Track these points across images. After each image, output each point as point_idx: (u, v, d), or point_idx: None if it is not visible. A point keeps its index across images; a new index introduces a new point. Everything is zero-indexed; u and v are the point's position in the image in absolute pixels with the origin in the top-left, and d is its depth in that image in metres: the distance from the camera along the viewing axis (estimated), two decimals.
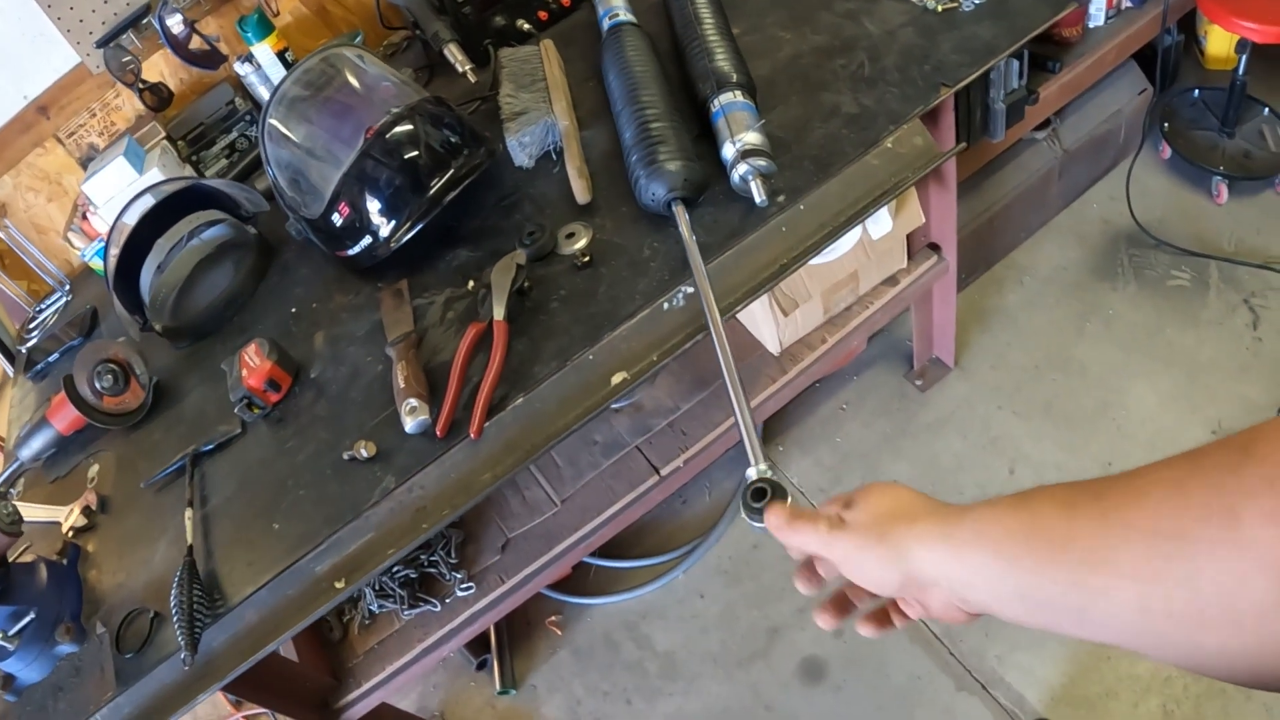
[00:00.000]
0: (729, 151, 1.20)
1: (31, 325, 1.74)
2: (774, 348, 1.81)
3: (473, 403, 1.14)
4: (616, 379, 1.16)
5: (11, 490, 1.50)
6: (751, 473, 0.90)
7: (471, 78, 1.58)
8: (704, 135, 1.29)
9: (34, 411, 1.47)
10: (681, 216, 1.17)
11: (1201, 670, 0.44)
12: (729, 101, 1.26)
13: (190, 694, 1.17)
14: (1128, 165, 2.14)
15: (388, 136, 1.29)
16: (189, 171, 1.73)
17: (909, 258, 1.83)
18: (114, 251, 1.45)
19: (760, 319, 1.78)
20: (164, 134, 1.70)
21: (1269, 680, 0.42)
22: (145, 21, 1.69)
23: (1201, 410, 1.88)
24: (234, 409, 1.28)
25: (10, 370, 1.72)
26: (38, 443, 1.46)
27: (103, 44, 1.62)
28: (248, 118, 1.76)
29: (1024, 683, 1.68)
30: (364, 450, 1.18)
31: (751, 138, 1.20)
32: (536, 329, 1.21)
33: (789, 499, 0.85)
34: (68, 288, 1.78)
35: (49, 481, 1.48)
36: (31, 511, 1.42)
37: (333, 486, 1.20)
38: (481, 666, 2.01)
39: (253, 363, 1.29)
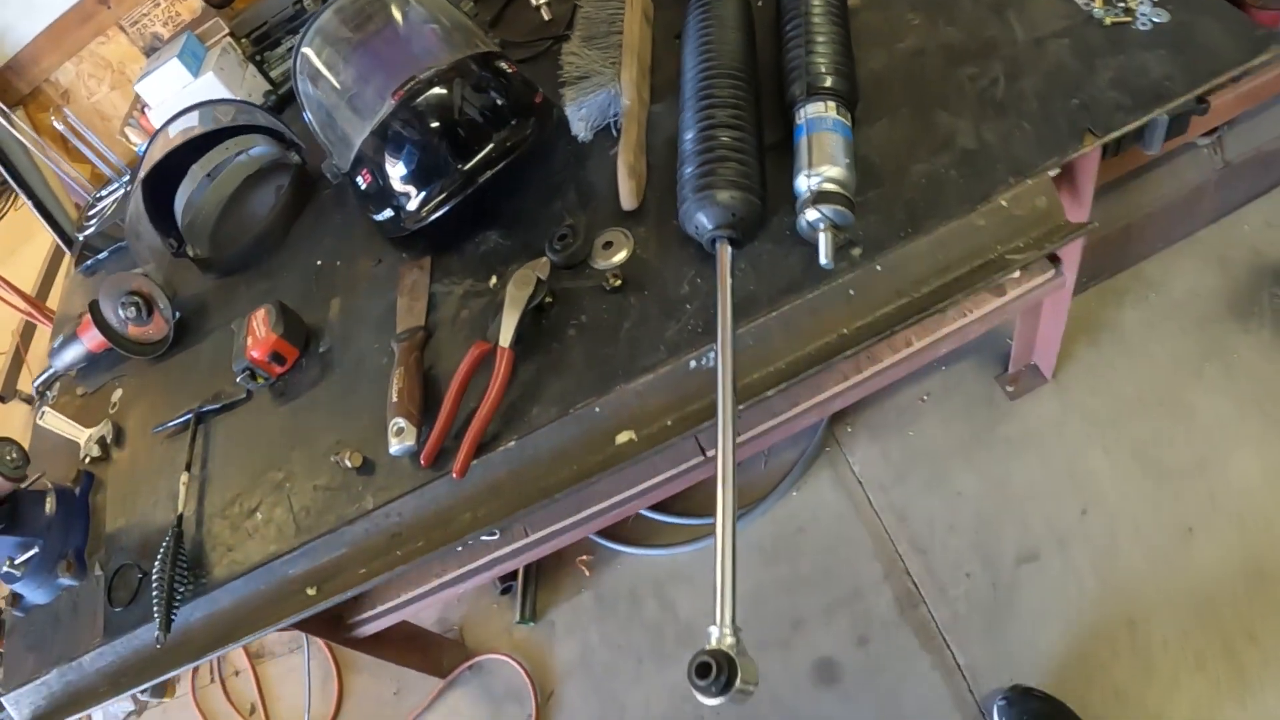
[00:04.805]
0: (802, 184, 0.96)
1: (90, 213, 1.67)
2: None
3: (463, 433, 1.00)
4: (622, 438, 0.98)
5: (48, 392, 1.48)
6: (712, 633, 0.74)
7: (546, 14, 1.34)
8: (786, 143, 1.05)
9: (70, 325, 1.41)
10: (724, 259, 0.93)
11: None
12: (817, 116, 0.99)
13: (163, 667, 1.11)
14: None
15: (417, 102, 1.08)
16: (250, 72, 1.57)
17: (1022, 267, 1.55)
18: (147, 167, 1.33)
19: None
20: (227, 31, 1.54)
21: None
22: None
23: None
24: (235, 378, 1.19)
25: (69, 252, 1.68)
26: (69, 355, 1.41)
27: None
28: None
29: None
30: (348, 460, 1.06)
31: (833, 174, 0.94)
32: (546, 357, 1.02)
33: (738, 678, 0.70)
34: (126, 178, 1.69)
35: (79, 394, 1.42)
36: (59, 423, 1.39)
37: (315, 488, 1.07)
38: (506, 592, 1.95)
39: (259, 333, 1.17)
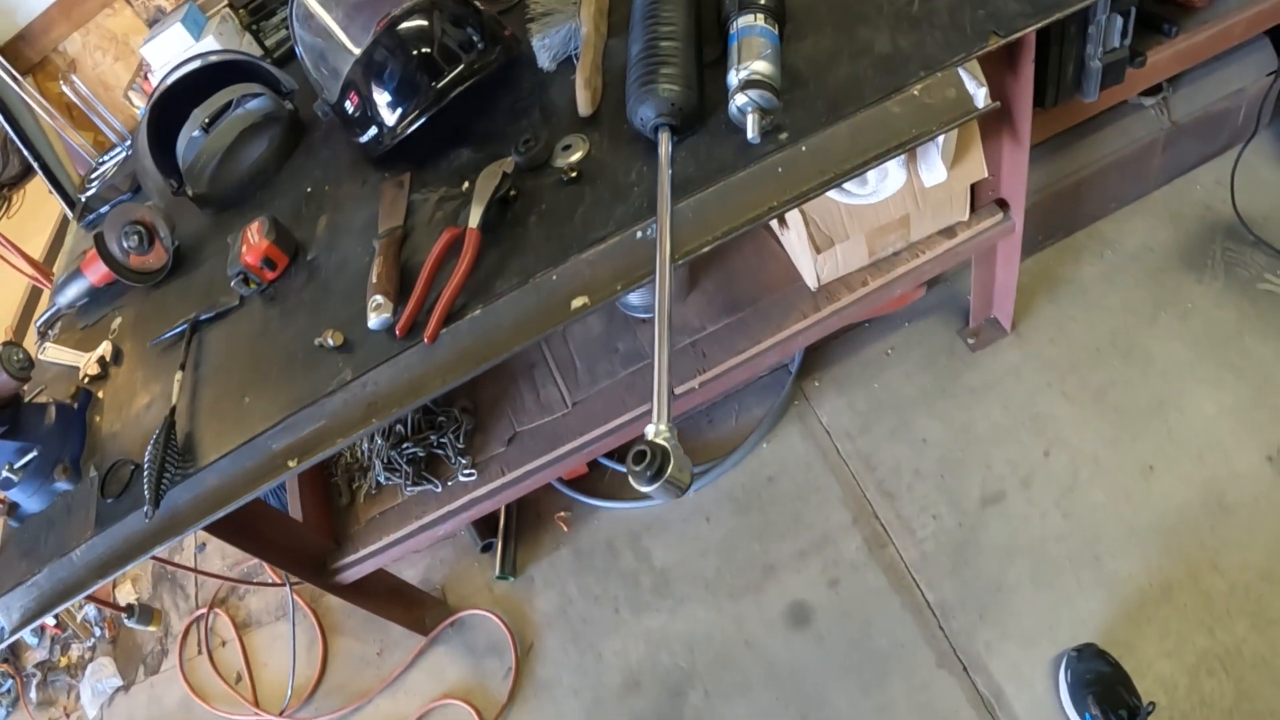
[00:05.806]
0: (732, 78, 1.13)
1: (93, 176, 1.85)
2: (811, 282, 1.73)
3: (434, 308, 1.16)
4: (576, 303, 1.14)
5: (50, 331, 1.64)
6: (649, 430, 0.88)
7: None
8: (723, 59, 1.23)
9: (74, 262, 1.58)
10: (664, 144, 1.10)
11: None
12: (747, 25, 1.17)
13: (150, 544, 1.25)
14: (1240, 150, 1.91)
15: (398, 29, 1.27)
16: (247, 40, 1.78)
17: (972, 210, 1.72)
18: (150, 109, 1.52)
19: (799, 250, 1.70)
20: (226, 1, 1.76)
21: None
22: None
23: (1262, 433, 1.69)
24: (230, 283, 1.35)
25: (71, 215, 1.86)
26: (73, 291, 1.58)
27: None
28: None
29: (1006, 675, 1.61)
30: (331, 339, 1.20)
31: (759, 67, 1.12)
32: (510, 241, 1.18)
33: (670, 468, 0.83)
34: (128, 142, 1.88)
35: (79, 328, 1.58)
36: (60, 354, 1.54)
37: (299, 370, 1.22)
38: (486, 549, 2.07)
39: (252, 240, 1.34)
